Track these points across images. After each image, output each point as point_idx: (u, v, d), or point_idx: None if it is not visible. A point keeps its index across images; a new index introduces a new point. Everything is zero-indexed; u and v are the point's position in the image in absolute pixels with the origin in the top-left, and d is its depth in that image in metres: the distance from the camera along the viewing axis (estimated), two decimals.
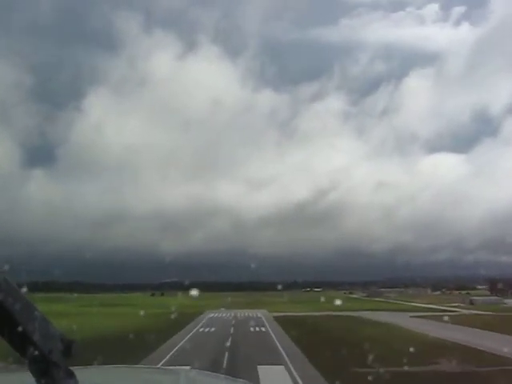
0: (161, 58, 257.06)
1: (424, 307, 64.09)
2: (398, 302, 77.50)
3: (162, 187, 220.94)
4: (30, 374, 1.69)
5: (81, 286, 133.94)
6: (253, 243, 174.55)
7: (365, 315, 50.60)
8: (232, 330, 36.62)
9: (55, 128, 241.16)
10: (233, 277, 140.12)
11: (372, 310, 58.86)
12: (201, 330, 38.89)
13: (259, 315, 54.59)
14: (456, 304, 69.41)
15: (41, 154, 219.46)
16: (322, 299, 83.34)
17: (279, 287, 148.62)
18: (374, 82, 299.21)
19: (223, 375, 4.18)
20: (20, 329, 1.56)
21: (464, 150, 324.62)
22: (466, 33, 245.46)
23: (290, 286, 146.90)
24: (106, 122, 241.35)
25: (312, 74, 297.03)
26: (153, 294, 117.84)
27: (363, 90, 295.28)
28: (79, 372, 1.82)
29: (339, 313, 53.04)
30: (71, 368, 1.77)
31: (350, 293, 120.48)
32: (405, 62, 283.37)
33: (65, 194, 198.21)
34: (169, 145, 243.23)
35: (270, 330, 37.40)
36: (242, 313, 56.93)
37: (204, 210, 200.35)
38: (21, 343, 1.62)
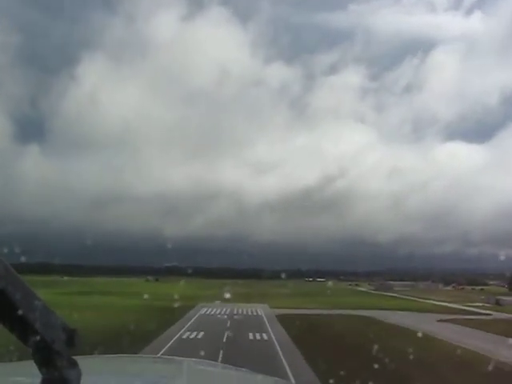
0: (163, 19, 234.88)
1: (446, 307, 55.66)
2: (413, 298, 69.14)
3: (163, 166, 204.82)
4: (33, 363, 1.65)
5: (76, 269, 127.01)
6: (255, 229, 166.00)
7: (385, 316, 42.11)
8: (225, 337, 27.57)
9: (46, 97, 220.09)
10: (234, 263, 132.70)
11: (389, 309, 50.44)
12: (185, 335, 29.84)
13: (260, 313, 46.02)
14: (480, 304, 61.18)
15: (31, 127, 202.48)
16: (328, 292, 75.35)
17: (281, 275, 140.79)
18: (395, 56, 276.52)
19: (224, 364, 4.94)
20: (22, 318, 1.53)
21: (484, 138, 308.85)
22: (477, 21, 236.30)
23: (293, 274, 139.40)
24: (102, 91, 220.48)
25: (327, 45, 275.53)
26: (147, 280, 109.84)
27: (383, 63, 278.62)
28: (82, 361, 1.76)
29: (353, 312, 44.73)
30: (74, 357, 1.72)
31: (356, 285, 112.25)
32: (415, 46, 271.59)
33: (58, 172, 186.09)
34: (170, 119, 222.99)
35: (274, 338, 29.00)
36: (240, 309, 48.28)
37: (206, 193, 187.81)
38: (23, 332, 1.57)
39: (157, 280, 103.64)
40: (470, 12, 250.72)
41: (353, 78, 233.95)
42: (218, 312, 46.73)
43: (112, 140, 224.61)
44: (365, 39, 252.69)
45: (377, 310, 47.40)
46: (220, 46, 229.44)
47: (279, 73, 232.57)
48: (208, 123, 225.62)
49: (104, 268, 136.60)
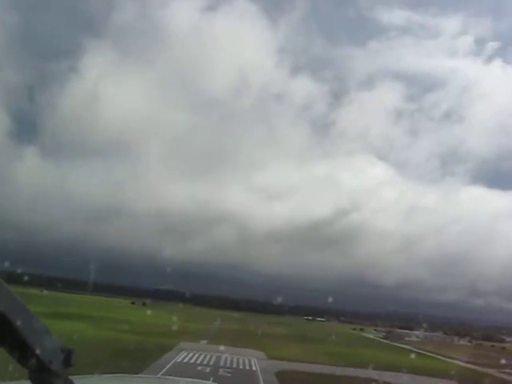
0: (180, 7, 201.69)
1: (486, 374, 44.21)
2: (434, 355, 57.58)
3: (166, 181, 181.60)
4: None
5: (61, 282, 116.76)
6: (256, 259, 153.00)
7: None
8: None
9: (43, 90, 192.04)
10: (230, 292, 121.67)
11: (419, 371, 38.68)
12: None
13: (254, 367, 34.54)
14: None
15: (22, 125, 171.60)
16: (333, 338, 63.99)
17: (279, 311, 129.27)
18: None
19: None
20: (20, 338, 1.55)
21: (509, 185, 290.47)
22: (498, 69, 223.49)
23: (291, 310, 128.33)
24: (105, 87, 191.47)
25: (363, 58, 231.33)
26: (133, 303, 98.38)
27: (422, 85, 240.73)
28: (79, 381, 1.87)
29: (376, 374, 33.50)
30: (71, 377, 1.77)
31: (361, 329, 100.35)
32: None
33: (49, 176, 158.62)
34: (177, 126, 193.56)
35: None
36: (230, 356, 36.78)
37: (209, 215, 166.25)
38: (21, 353, 1.59)
39: (144, 304, 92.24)
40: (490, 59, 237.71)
41: (388, 95, 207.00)
42: (200, 360, 34.18)
43: (112, 144, 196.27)
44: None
45: (406, 373, 35.94)
46: (242, 47, 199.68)
47: (305, 87, 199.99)
48: (218, 136, 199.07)
49: (93, 285, 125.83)
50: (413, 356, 50.81)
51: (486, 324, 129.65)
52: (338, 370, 33.30)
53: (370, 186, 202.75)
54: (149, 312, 74.27)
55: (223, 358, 35.25)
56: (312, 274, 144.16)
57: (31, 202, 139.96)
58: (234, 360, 35.61)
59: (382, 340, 78.39)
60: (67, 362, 1.72)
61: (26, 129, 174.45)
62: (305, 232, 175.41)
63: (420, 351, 60.71)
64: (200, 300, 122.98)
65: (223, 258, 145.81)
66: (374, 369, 34.74)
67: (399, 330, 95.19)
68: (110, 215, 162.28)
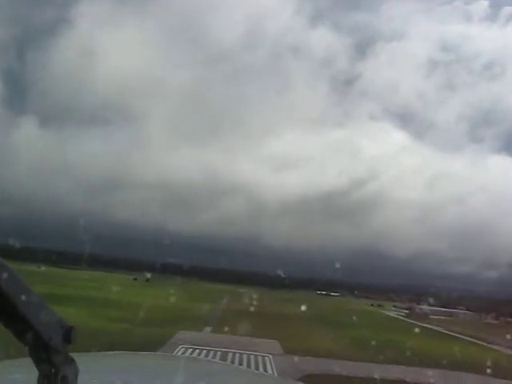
0: None
1: None
2: (470, 339, 49.67)
3: (171, 148, 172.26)
4: (31, 360, 1.64)
5: (63, 258, 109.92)
6: (268, 231, 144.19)
7: None
8: None
9: (31, 46, 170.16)
10: (241, 265, 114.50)
11: (467, 366, 30.74)
12: None
13: (270, 370, 26.85)
14: None
15: (10, 87, 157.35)
16: (354, 318, 56.09)
17: (290, 285, 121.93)
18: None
19: (221, 361, 4.02)
20: (19, 315, 1.53)
21: None
22: None
23: (302, 283, 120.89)
24: (103, 42, 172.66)
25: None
26: (135, 279, 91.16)
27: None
28: (79, 358, 1.76)
29: (426, 372, 25.63)
30: (71, 354, 1.73)
31: (379, 305, 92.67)
32: None
33: (46, 147, 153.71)
34: (183, 84, 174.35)
35: None
36: (238, 351, 28.90)
37: (218, 185, 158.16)
38: (21, 330, 1.58)
39: (147, 280, 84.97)
40: None
41: (420, 44, 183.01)
42: (200, 357, 26.69)
43: (111, 107, 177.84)
44: None
45: (460, 370, 27.97)
46: None
47: (325, 37, 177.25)
48: (228, 96, 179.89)
49: (95, 259, 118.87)
50: (446, 341, 42.85)
51: (502, 296, 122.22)
52: (383, 371, 25.16)
53: (389, 153, 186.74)
54: (150, 290, 66.92)
55: (229, 355, 27.27)
56: (324, 247, 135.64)
57: (27, 173, 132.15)
58: (244, 359, 27.61)
59: (406, 320, 70.45)
60: (67, 338, 1.67)
61: (16, 94, 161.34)
62: (318, 203, 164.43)
63: (456, 334, 52.73)
64: (208, 274, 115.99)
65: (232, 230, 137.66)
66: (424, 366, 26.60)
67: (420, 307, 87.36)
68: (112, 186, 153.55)
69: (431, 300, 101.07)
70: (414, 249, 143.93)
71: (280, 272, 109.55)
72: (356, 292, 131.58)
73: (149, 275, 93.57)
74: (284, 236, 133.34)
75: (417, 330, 50.64)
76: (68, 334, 1.68)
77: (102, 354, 3.73)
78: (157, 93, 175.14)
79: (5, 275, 1.40)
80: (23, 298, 1.48)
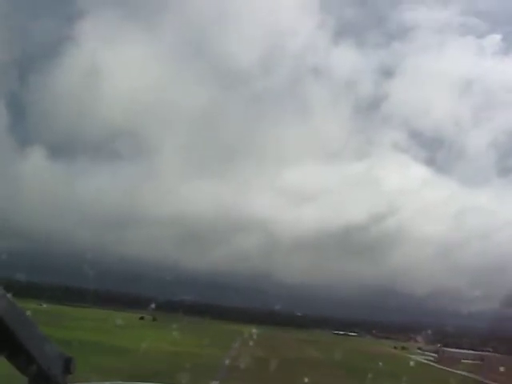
0: None
1: None
2: None
3: (182, 180, 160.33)
4: None
5: (68, 295, 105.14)
6: (282, 268, 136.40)
7: None
8: None
9: (33, 68, 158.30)
10: (253, 304, 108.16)
11: None
12: None
13: None
14: None
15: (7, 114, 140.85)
16: (381, 365, 49.42)
17: (305, 324, 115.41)
18: None
19: None
20: (20, 346, 1.56)
21: None
22: None
23: (317, 321, 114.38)
24: (109, 63, 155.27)
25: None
26: (142, 318, 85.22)
27: None
28: None
29: None
30: None
31: (403, 348, 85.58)
32: None
33: (52, 179, 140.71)
34: (196, 111, 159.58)
35: None
36: None
37: (231, 220, 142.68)
38: (21, 361, 1.64)
39: (154, 320, 79.12)
40: None
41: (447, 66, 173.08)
42: None
43: (120, 136, 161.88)
44: None
45: None
46: (273, 4, 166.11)
47: (349, 56, 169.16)
48: (243, 123, 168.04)
49: (102, 296, 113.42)
50: None
51: None
52: None
53: (411, 186, 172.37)
54: (155, 332, 61.10)
55: None
56: (340, 284, 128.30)
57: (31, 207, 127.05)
58: None
59: (437, 365, 63.69)
60: (67, 369, 1.72)
61: (19, 122, 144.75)
62: (335, 238, 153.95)
63: None
64: (219, 313, 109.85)
65: (245, 266, 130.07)
66: None
67: (446, 349, 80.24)
68: (121, 221, 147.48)
69: (457, 341, 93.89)
70: (432, 286, 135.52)
71: (294, 310, 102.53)
72: (374, 331, 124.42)
73: (156, 314, 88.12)
74: (298, 273, 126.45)
75: (454, 379, 44.15)
76: (67, 365, 1.71)
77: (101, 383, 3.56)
78: (167, 119, 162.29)
79: (6, 307, 1.41)
80: (24, 329, 1.48)
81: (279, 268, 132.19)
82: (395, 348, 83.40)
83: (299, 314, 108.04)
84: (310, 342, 70.96)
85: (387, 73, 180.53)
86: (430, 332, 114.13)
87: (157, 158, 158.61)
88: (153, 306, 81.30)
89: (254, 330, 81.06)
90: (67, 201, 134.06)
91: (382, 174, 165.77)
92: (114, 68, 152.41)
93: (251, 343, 60.69)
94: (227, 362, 45.63)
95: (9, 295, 1.40)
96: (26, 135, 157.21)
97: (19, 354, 1.52)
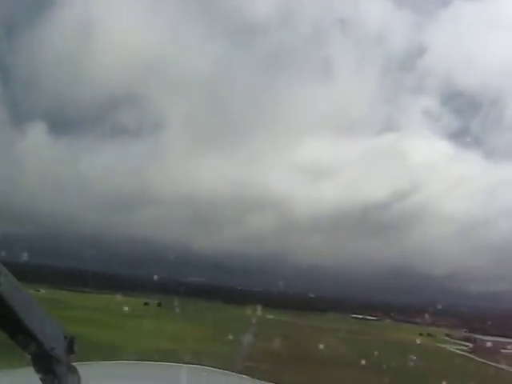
0: None
1: None
2: None
3: (191, 156, 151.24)
4: (34, 371, 1.68)
5: (72, 278, 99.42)
6: (297, 248, 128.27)
7: None
8: None
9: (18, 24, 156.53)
10: (267, 286, 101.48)
11: None
12: None
13: None
14: None
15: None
16: (415, 360, 42.45)
17: (322, 307, 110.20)
18: None
19: (224, 371, 4.10)
20: (22, 325, 1.55)
21: None
22: None
23: (334, 304, 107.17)
24: (106, 16, 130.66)
25: None
26: (146, 303, 78.89)
27: None
28: (82, 368, 1.79)
29: None
30: (74, 363, 1.77)
31: (429, 335, 78.48)
32: None
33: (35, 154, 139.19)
34: (204, 76, 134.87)
35: None
36: None
37: (243, 199, 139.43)
38: (24, 339, 1.60)
39: (159, 305, 72.80)
40: None
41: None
42: None
43: (121, 106, 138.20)
44: None
45: None
46: None
47: (380, 6, 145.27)
48: (257, 89, 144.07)
49: (107, 279, 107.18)
50: None
51: None
52: None
53: (438, 160, 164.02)
54: (158, 321, 54.45)
55: None
56: (356, 265, 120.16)
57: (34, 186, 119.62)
58: None
59: (476, 358, 56.17)
60: (70, 348, 1.71)
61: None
62: (354, 217, 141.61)
63: None
64: (231, 296, 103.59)
65: (259, 247, 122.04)
66: None
67: (478, 337, 72.97)
68: (125, 201, 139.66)
69: (482, 326, 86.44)
70: (453, 266, 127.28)
71: (308, 292, 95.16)
72: (393, 314, 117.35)
73: (162, 299, 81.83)
74: (315, 253, 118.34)
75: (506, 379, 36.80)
76: (71, 344, 1.69)
77: (104, 363, 3.60)
78: (173, 83, 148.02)
79: (6, 284, 1.39)
80: (26, 308, 1.48)
81: (295, 249, 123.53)
82: (421, 335, 76.18)
83: (315, 296, 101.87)
84: (330, 329, 64.09)
85: (423, 26, 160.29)
86: (449, 314, 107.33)
87: (163, 131, 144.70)
88: (166, 297, 75.78)
89: (268, 316, 74.45)
90: (63, 177, 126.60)
91: (407, 147, 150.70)
92: (112, 25, 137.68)
93: (264, 334, 53.93)
94: (238, 358, 38.95)
95: (8, 272, 1.35)
96: (18, 106, 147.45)
97: (22, 333, 1.49)
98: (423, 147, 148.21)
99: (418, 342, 63.63)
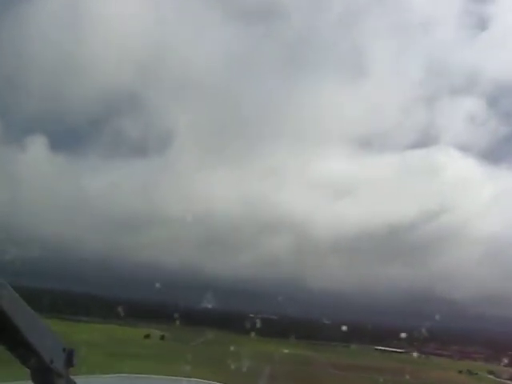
0: None
1: None
2: None
3: (203, 173, 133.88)
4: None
5: (74, 306, 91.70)
6: (316, 273, 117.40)
7: None
8: None
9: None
10: (282, 313, 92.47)
11: None
12: None
13: None
14: None
15: None
16: None
17: (342, 338, 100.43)
18: None
19: None
20: (22, 338, 1.53)
21: None
22: None
23: (353, 332, 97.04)
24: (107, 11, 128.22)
25: None
26: (147, 336, 69.68)
27: None
28: (81, 381, 1.81)
29: None
30: (73, 377, 1.75)
31: (470, 372, 67.91)
32: None
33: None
34: (215, 72, 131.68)
35: None
36: None
37: (259, 219, 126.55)
38: (23, 353, 1.58)
39: (162, 338, 63.70)
40: None
41: None
42: None
43: (122, 113, 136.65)
44: None
45: None
46: None
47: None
48: (272, 88, 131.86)
49: (112, 306, 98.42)
50: None
51: None
52: None
53: (470, 179, 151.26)
54: (156, 362, 45.02)
55: None
56: (377, 290, 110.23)
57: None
58: None
59: None
60: (69, 361, 1.66)
61: None
62: (376, 239, 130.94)
63: None
64: (243, 325, 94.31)
65: (275, 272, 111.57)
66: None
67: None
68: (132, 222, 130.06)
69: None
70: (483, 291, 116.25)
71: (327, 320, 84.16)
72: (417, 344, 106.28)
73: (167, 329, 72.57)
74: (334, 278, 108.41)
75: None
76: (70, 357, 1.65)
77: (103, 377, 3.51)
78: (178, 84, 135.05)
79: (7, 297, 1.37)
80: (25, 320, 1.45)
81: (313, 273, 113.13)
82: (460, 372, 65.63)
83: (333, 325, 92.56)
84: (357, 368, 54.21)
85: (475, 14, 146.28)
86: (482, 344, 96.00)
87: (171, 145, 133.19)
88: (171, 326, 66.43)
89: (285, 351, 64.83)
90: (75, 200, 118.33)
91: (439, 163, 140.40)
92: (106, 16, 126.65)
93: (281, 377, 44.23)
94: None
95: (7, 284, 1.35)
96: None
97: (21, 346, 1.47)
98: (456, 164, 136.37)
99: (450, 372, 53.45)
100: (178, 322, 69.71)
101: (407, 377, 55.00)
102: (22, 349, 1.52)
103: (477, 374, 64.07)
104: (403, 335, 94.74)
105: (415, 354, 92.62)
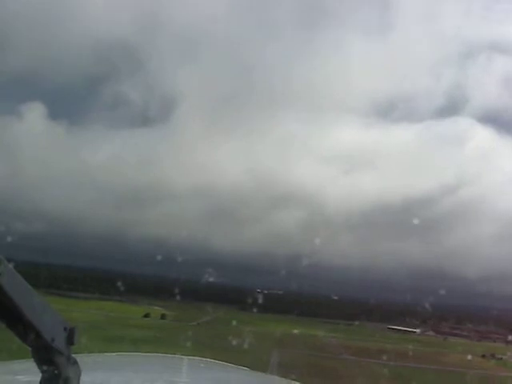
0: None
1: None
2: None
3: (210, 143, 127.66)
4: (33, 362, 1.64)
5: (74, 281, 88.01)
6: (328, 248, 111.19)
7: None
8: None
9: None
10: (291, 290, 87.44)
11: None
12: None
13: None
14: None
15: None
16: None
17: (351, 317, 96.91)
18: None
19: (224, 363, 4.02)
20: (22, 316, 1.54)
21: None
22: None
23: (363, 311, 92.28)
24: None
25: None
26: (147, 315, 64.85)
27: None
28: (82, 359, 1.75)
29: None
30: (74, 355, 1.72)
31: (493, 356, 62.45)
32: None
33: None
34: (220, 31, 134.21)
35: None
36: None
37: (269, 192, 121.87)
38: (23, 331, 1.58)
39: (163, 317, 58.82)
40: None
41: None
42: None
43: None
44: None
45: None
46: None
47: None
48: (285, 48, 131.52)
49: (114, 282, 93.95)
50: None
51: None
52: None
53: (490, 155, 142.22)
54: (151, 348, 39.62)
55: None
56: (390, 266, 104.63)
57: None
58: None
59: None
60: (70, 339, 1.64)
61: None
62: (391, 214, 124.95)
63: None
64: (249, 301, 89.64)
65: (284, 247, 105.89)
66: None
67: None
68: (145, 197, 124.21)
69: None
70: (497, 268, 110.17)
71: (338, 297, 77.75)
72: (429, 322, 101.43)
73: (168, 307, 67.80)
74: (347, 254, 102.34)
75: None
76: (71, 336, 1.62)
77: (104, 354, 3.52)
78: (183, 45, 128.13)
79: (7, 276, 1.38)
80: (26, 298, 1.45)
81: (325, 248, 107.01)
82: (483, 357, 60.15)
83: (344, 302, 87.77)
84: (372, 351, 48.91)
85: None
86: (497, 322, 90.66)
87: (174, 112, 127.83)
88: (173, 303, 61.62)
89: (294, 331, 59.72)
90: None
91: (462, 134, 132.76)
92: None
93: (290, 359, 39.13)
94: None
95: (6, 262, 1.33)
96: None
97: (21, 324, 1.45)
98: (479, 136, 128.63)
99: (493, 371, 48.10)
100: (180, 298, 64.90)
101: (430, 366, 49.72)
102: (22, 327, 1.46)
103: (501, 358, 58.48)
104: (415, 312, 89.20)
105: (431, 334, 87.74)
